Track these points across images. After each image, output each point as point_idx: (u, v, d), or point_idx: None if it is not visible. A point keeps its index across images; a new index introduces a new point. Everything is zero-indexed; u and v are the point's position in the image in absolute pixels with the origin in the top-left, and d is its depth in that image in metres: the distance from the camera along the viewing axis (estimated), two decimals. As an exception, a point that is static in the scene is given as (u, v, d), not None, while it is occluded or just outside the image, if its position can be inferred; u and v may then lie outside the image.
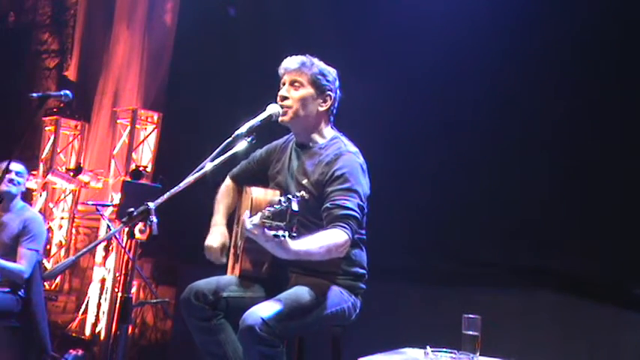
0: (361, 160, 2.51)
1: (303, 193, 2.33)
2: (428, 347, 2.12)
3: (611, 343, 2.92)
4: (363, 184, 2.45)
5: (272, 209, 2.01)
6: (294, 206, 1.96)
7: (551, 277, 3.13)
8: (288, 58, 2.57)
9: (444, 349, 2.11)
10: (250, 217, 2.14)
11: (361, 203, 2.40)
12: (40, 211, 6.38)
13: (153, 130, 5.82)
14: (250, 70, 4.39)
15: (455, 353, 2.10)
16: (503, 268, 3.22)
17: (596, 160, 3.07)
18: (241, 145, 2.38)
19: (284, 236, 1.97)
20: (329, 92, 2.54)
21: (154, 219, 2.05)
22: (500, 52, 3.38)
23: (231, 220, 2.77)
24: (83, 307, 5.72)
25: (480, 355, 2.17)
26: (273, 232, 1.98)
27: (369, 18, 3.89)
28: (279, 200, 2.01)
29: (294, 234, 1.99)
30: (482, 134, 3.42)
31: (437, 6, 3.61)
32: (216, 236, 2.62)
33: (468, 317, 2.20)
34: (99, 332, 5.44)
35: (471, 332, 2.18)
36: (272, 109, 2.50)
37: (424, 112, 3.58)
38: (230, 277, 2.58)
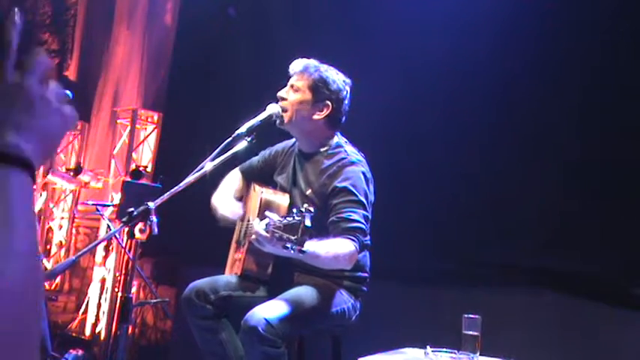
0: (365, 168, 2.49)
1: (306, 205, 2.33)
2: (428, 347, 2.12)
3: (611, 343, 2.92)
4: (368, 194, 2.44)
5: (284, 220, 2.00)
6: (308, 222, 1.95)
7: (551, 277, 3.13)
8: (298, 59, 2.56)
9: (444, 349, 2.11)
10: (260, 220, 2.14)
11: (366, 214, 2.40)
12: (40, 211, 6.38)
13: (153, 130, 5.82)
14: (250, 70, 4.39)
15: (455, 353, 2.10)
16: (503, 268, 3.22)
17: (596, 159, 3.06)
18: (241, 145, 2.39)
19: (293, 249, 1.96)
20: (326, 101, 2.51)
21: (154, 219, 2.05)
22: (501, 52, 3.38)
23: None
24: (83, 307, 5.72)
25: (480, 355, 2.17)
26: (282, 244, 1.98)
27: (371, 17, 3.89)
28: (293, 212, 2.00)
29: (305, 250, 1.98)
30: (482, 134, 3.42)
31: (441, 4, 3.61)
32: (225, 206, 2.62)
33: (468, 317, 2.20)
34: (99, 332, 5.44)
35: (471, 332, 2.18)
36: (272, 109, 2.50)
37: (423, 112, 3.58)
38: (231, 277, 2.58)
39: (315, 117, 2.51)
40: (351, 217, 2.33)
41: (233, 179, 2.79)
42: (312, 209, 2.00)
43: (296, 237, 1.95)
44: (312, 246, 2.10)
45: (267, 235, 2.03)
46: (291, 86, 2.52)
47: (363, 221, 2.35)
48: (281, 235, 1.98)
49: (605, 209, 3.01)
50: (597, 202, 3.04)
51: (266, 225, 2.07)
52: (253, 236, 2.14)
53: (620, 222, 2.97)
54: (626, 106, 3.02)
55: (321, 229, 2.35)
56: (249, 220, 2.58)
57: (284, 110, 2.50)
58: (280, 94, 2.52)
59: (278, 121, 2.50)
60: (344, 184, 2.39)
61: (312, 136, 2.55)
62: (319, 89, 2.50)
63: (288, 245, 1.96)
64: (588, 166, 3.08)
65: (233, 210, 2.59)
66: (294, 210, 2.00)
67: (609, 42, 3.09)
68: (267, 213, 2.10)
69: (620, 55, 3.08)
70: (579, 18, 3.18)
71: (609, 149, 3.05)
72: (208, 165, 2.30)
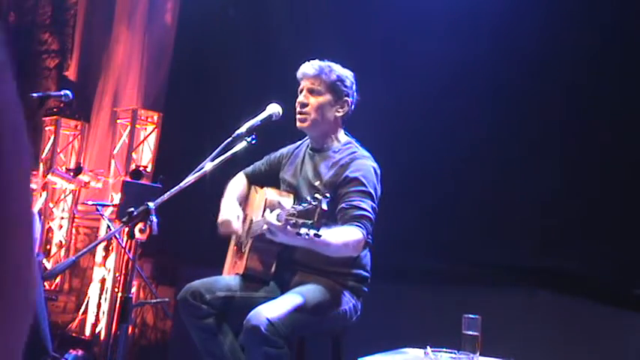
0: (375, 164, 2.52)
1: (317, 195, 2.34)
2: (428, 347, 2.12)
3: (611, 343, 2.92)
4: (377, 188, 2.47)
5: (299, 207, 2.01)
6: (324, 205, 1.96)
7: (551, 277, 3.13)
8: (307, 63, 2.58)
9: (444, 349, 2.11)
10: (271, 213, 2.14)
11: (374, 205, 2.42)
12: (39, 211, 6.38)
13: (153, 130, 5.82)
14: (250, 69, 4.39)
15: (455, 353, 2.10)
16: (503, 268, 3.22)
17: (597, 159, 3.07)
18: (241, 145, 2.39)
19: (308, 235, 1.97)
20: (346, 98, 2.56)
21: (154, 219, 2.05)
22: (505, 51, 3.37)
23: None
24: (83, 307, 5.72)
25: (480, 355, 2.17)
26: (296, 230, 1.98)
27: (372, 16, 3.89)
28: (308, 199, 2.01)
29: (320, 234, 1.99)
30: (483, 134, 3.42)
31: (442, 3, 3.61)
32: (230, 210, 2.58)
33: (468, 317, 2.20)
34: (99, 332, 5.44)
35: (471, 332, 2.18)
36: (272, 109, 2.50)
37: (424, 111, 3.58)
38: (228, 277, 2.58)
39: (338, 115, 2.55)
40: (360, 206, 2.36)
41: (239, 183, 2.78)
42: (328, 195, 2.00)
43: (312, 221, 1.96)
44: (324, 233, 2.10)
45: (280, 223, 2.04)
46: (309, 90, 2.53)
47: (371, 211, 2.38)
48: (296, 221, 1.98)
49: (606, 209, 3.01)
50: (597, 202, 3.04)
51: (277, 215, 2.08)
52: (265, 226, 2.14)
53: (620, 222, 2.97)
54: (627, 107, 3.02)
55: (329, 219, 2.36)
56: (251, 221, 2.58)
57: (306, 114, 2.51)
58: (301, 100, 2.53)
59: (298, 124, 2.52)
60: (355, 174, 2.43)
61: (329, 133, 2.58)
62: (338, 88, 2.54)
63: (302, 231, 1.96)
64: (589, 166, 3.08)
65: (237, 223, 2.55)
66: (308, 197, 2.01)
67: (609, 42, 3.09)
68: (280, 201, 2.11)
69: (620, 54, 3.08)
70: (579, 18, 3.18)
71: (610, 149, 3.05)
72: (208, 165, 2.30)
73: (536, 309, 3.15)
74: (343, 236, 2.28)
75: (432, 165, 3.53)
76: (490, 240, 3.29)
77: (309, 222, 1.96)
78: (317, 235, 1.98)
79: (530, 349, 2.73)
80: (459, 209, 3.44)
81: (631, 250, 2.90)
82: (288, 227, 2.00)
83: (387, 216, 2.96)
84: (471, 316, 2.20)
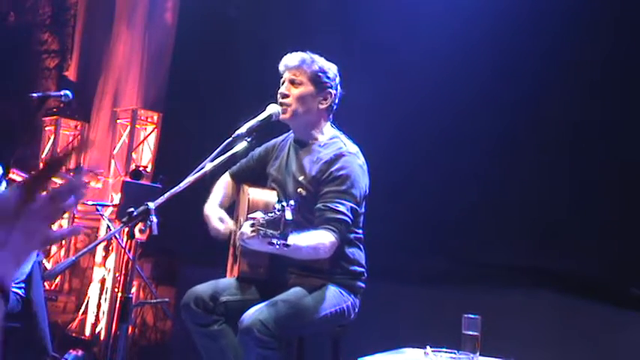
0: (361, 160, 2.51)
1: (300, 190, 2.34)
2: (428, 347, 2.12)
3: (610, 342, 2.92)
4: (362, 186, 2.46)
5: (266, 217, 2.02)
6: (288, 215, 1.97)
7: (551, 277, 3.13)
8: (289, 54, 2.58)
9: (444, 349, 2.11)
10: (246, 220, 2.16)
11: (355, 206, 2.41)
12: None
13: (153, 130, 5.82)
14: (250, 69, 4.39)
15: (455, 353, 2.10)
16: (503, 268, 3.22)
17: (596, 160, 3.07)
18: (241, 146, 2.39)
19: (279, 245, 1.98)
20: (329, 89, 2.54)
21: (154, 219, 2.05)
22: (508, 51, 3.37)
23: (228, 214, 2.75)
24: (83, 307, 5.72)
25: (479, 355, 2.17)
26: (268, 240, 2.00)
27: (372, 16, 3.89)
28: (274, 208, 2.02)
29: (289, 244, 2.00)
30: (483, 134, 3.42)
31: (442, 2, 3.61)
32: (215, 218, 2.59)
33: (468, 317, 2.20)
34: (99, 332, 5.44)
35: (470, 332, 2.18)
36: (272, 109, 2.50)
37: (425, 110, 3.58)
38: (229, 281, 2.58)
39: (320, 107, 2.53)
40: (338, 209, 2.36)
41: (223, 185, 2.77)
42: (293, 202, 2.01)
43: (279, 231, 1.97)
44: (295, 239, 2.12)
45: (253, 234, 2.05)
46: (291, 82, 2.53)
47: (348, 214, 2.38)
48: (265, 231, 2.00)
49: (605, 209, 3.01)
50: (597, 202, 3.04)
51: (251, 224, 2.09)
52: (238, 234, 2.16)
53: (620, 222, 2.97)
54: (626, 106, 3.03)
55: (312, 214, 2.39)
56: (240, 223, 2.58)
57: (287, 105, 2.51)
58: (281, 91, 2.53)
59: (280, 115, 2.51)
60: (340, 172, 2.42)
61: (312, 125, 2.56)
62: (320, 79, 2.52)
63: (274, 241, 1.98)
64: (588, 166, 3.08)
65: (224, 226, 2.56)
66: (277, 205, 2.02)
67: (608, 41, 3.09)
68: (263, 200, 2.13)
69: (619, 53, 3.08)
70: (579, 18, 3.18)
71: (609, 149, 3.05)
72: (208, 165, 2.30)
73: (536, 309, 3.15)
74: (314, 240, 2.29)
75: (432, 165, 3.52)
76: (490, 240, 3.29)
77: (277, 232, 1.97)
78: (286, 245, 1.99)
79: (530, 349, 2.73)
80: (459, 209, 3.44)
81: (630, 250, 2.90)
82: (260, 237, 2.02)
83: (387, 216, 2.96)
84: (471, 316, 2.20)
